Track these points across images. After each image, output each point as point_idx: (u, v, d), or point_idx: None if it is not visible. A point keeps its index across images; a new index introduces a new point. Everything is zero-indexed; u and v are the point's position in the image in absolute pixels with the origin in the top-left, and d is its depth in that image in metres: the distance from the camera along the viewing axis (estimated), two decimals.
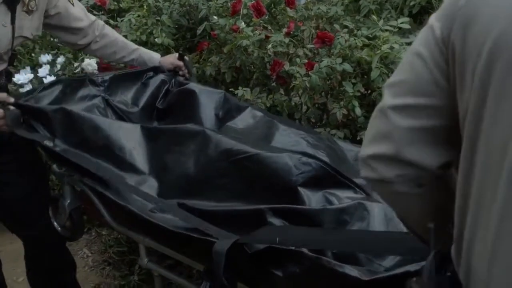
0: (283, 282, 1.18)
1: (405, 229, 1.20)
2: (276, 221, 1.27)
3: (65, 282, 1.98)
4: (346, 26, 2.17)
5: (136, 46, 1.99)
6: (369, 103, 2.08)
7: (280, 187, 1.33)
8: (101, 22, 1.93)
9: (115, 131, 1.61)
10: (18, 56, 2.64)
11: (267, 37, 2.19)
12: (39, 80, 2.91)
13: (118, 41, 1.95)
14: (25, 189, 1.77)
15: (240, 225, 1.26)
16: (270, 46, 2.13)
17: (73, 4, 1.82)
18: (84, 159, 1.57)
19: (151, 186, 1.53)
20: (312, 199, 1.31)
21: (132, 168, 1.57)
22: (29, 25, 1.68)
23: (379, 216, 1.24)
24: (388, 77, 1.94)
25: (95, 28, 1.88)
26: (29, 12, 1.63)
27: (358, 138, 1.97)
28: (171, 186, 1.51)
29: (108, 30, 1.94)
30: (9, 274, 2.11)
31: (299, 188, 1.32)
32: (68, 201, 1.68)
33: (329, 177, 1.36)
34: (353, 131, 2.07)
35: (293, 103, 2.23)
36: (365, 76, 2.06)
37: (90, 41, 1.87)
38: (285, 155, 1.38)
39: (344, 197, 1.31)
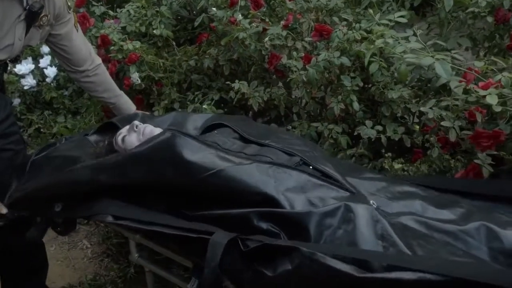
0: (274, 281, 1.17)
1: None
2: (263, 225, 1.25)
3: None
4: (345, 19, 2.12)
5: (119, 92, 2.05)
6: (368, 98, 2.04)
7: (259, 198, 1.29)
8: (98, 60, 1.98)
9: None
10: None
11: (264, 29, 2.16)
12: (40, 70, 2.93)
13: (107, 83, 2.02)
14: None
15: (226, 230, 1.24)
16: (267, 39, 2.10)
17: (77, 30, 1.88)
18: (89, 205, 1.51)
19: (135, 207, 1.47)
20: (295, 204, 1.27)
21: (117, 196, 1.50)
22: (37, 37, 1.77)
23: (365, 217, 1.22)
24: (388, 71, 1.91)
25: (89, 63, 1.93)
26: (40, 26, 1.72)
27: (356, 133, 1.94)
28: (153, 204, 1.45)
29: (101, 70, 1.99)
30: None
31: (280, 196, 1.28)
32: None
33: (309, 181, 1.33)
34: (351, 125, 2.04)
35: (293, 97, 2.20)
36: (364, 70, 2.02)
37: (80, 70, 1.93)
38: (254, 168, 1.33)
39: (328, 198, 1.28)
